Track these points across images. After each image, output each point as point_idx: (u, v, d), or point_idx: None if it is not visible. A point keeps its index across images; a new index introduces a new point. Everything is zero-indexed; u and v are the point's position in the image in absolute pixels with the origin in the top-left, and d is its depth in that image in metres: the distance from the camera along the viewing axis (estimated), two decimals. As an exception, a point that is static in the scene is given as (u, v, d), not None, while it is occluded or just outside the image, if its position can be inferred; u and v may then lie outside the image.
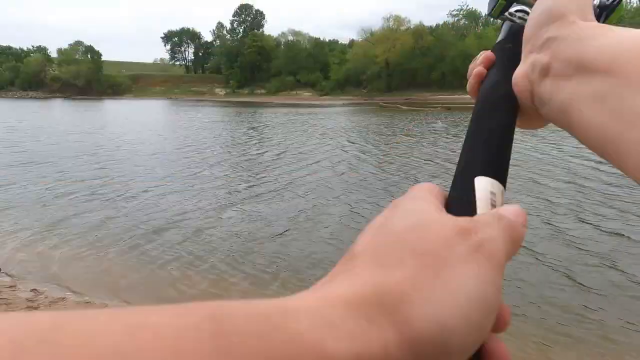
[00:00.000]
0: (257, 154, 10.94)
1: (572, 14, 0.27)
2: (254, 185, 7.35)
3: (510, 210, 0.23)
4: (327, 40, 75.19)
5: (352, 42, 67.62)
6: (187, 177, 8.03)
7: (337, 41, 75.61)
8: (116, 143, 13.13)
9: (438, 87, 49.11)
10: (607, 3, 0.35)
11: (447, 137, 13.35)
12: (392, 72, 53.96)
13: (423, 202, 0.23)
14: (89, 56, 73.78)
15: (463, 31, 55.19)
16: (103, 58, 77.51)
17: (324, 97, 58.54)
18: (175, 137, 15.17)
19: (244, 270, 4.06)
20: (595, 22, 0.27)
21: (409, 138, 13.46)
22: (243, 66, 72.57)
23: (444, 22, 58.81)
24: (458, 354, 0.18)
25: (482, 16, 58.70)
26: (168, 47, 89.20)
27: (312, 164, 9.12)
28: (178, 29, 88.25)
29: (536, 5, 0.31)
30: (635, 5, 47.60)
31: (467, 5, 57.88)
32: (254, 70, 72.97)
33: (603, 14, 0.35)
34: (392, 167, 8.74)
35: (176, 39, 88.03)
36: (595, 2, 0.34)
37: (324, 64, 65.55)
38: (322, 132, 15.71)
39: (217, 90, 78.45)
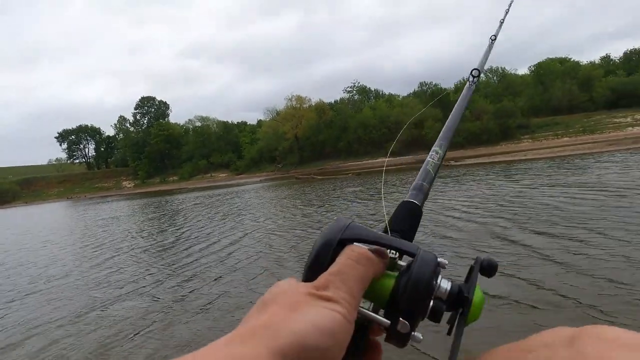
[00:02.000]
0: (157, 245, 10.05)
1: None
2: (143, 283, 6.56)
3: (339, 261, 0.34)
4: (235, 122, 77.09)
5: (260, 122, 70.15)
6: (53, 288, 6.95)
7: (246, 122, 77.91)
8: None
9: (346, 155, 52.18)
10: (463, 296, 0.33)
11: (357, 201, 13.78)
12: (303, 145, 56.45)
13: (285, 280, 0.33)
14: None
15: (359, 104, 60.82)
16: (-15, 165, 69.80)
17: (240, 175, 58.51)
18: (58, 243, 13.47)
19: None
20: None
21: (321, 207, 13.64)
22: (151, 156, 70.44)
23: (341, 98, 64.52)
24: (316, 352, 0.27)
25: (372, 91, 66.16)
26: (64, 146, 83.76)
27: (217, 251, 8.54)
28: (74, 127, 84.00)
29: None
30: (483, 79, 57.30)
31: (359, 82, 65.28)
32: (163, 158, 71.13)
33: (459, 313, 0.34)
34: (305, 242, 8.56)
35: (73, 137, 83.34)
36: (444, 287, 0.33)
37: (235, 144, 66.46)
38: (232, 212, 15.25)
39: (125, 183, 74.28)
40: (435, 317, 0.33)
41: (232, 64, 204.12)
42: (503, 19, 1.22)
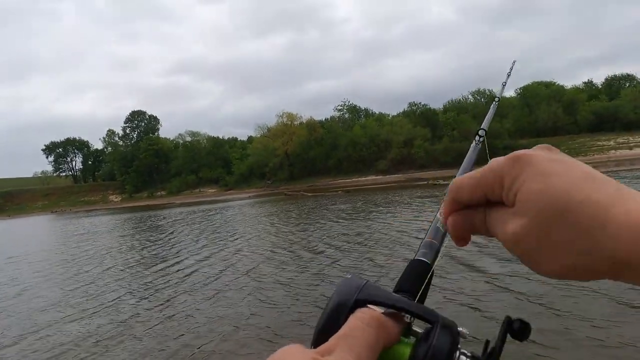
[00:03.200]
0: (115, 265, 9.79)
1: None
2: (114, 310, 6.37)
3: (347, 326, 0.31)
4: (225, 138, 77.08)
5: (250, 138, 70.24)
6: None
7: (236, 138, 77.97)
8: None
9: (336, 172, 52.38)
10: None
11: (341, 221, 13.72)
12: (293, 162, 56.53)
13: (293, 348, 0.28)
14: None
15: (349, 122, 61.47)
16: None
17: (229, 191, 58.12)
18: (21, 259, 13.06)
19: None
20: None
21: (312, 224, 13.53)
22: (139, 170, 69.77)
23: (332, 116, 65.22)
24: None
25: (362, 109, 67.11)
26: (51, 158, 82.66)
27: (178, 272, 8.34)
28: (62, 139, 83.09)
29: None
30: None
31: (349, 101, 66.37)
32: (152, 173, 70.46)
33: None
34: (270, 263, 8.44)
35: (60, 149, 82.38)
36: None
37: (225, 160, 66.26)
38: (208, 229, 15.03)
39: (112, 197, 73.26)
40: None
41: (223, 81, 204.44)
42: (505, 82, 1.28)
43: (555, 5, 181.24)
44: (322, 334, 0.32)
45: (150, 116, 79.32)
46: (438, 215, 0.54)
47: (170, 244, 12.68)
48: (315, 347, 0.30)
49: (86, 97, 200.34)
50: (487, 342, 0.33)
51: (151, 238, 15.05)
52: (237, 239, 12.24)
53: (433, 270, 0.46)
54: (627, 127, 43.88)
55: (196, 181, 65.81)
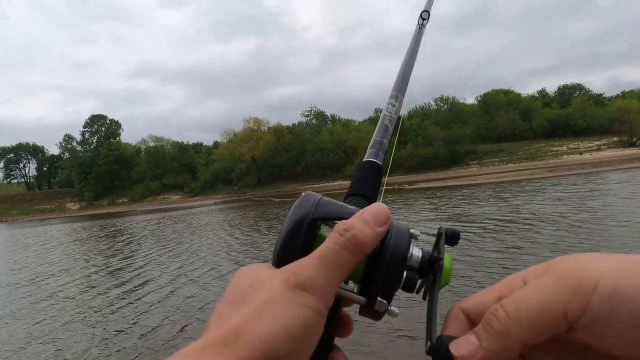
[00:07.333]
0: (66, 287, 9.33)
1: None
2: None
3: (332, 236, 0.30)
4: (190, 143, 75.42)
5: (216, 143, 69.06)
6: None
7: (202, 143, 76.48)
8: None
9: (304, 178, 52.28)
10: (434, 263, 0.33)
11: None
12: (260, 167, 55.97)
13: (257, 266, 0.31)
14: None
15: (316, 128, 61.72)
16: None
17: (195, 197, 56.77)
18: None
19: None
20: None
21: (272, 231, 13.39)
22: (99, 176, 66.90)
23: (299, 122, 65.23)
24: (285, 357, 0.25)
25: (329, 115, 67.67)
26: (1, 164, 77.78)
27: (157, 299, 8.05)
28: (13, 144, 78.37)
29: None
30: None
31: (316, 107, 66.73)
32: (112, 179, 67.73)
33: (431, 279, 0.33)
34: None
35: (12, 155, 77.67)
36: (416, 255, 0.33)
37: (190, 166, 64.77)
38: (179, 241, 14.59)
39: (69, 205, 69.76)
40: (409, 287, 0.33)
41: (187, 85, 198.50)
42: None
43: (506, 18, 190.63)
44: (279, 258, 0.32)
45: (112, 120, 76.41)
46: (385, 112, 0.51)
47: (102, 255, 12.18)
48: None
49: (40, 100, 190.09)
50: (440, 228, 0.35)
51: (90, 249, 14.44)
52: (182, 250, 11.87)
53: (383, 169, 0.45)
54: (577, 133, 46.56)
55: (160, 187, 63.85)
